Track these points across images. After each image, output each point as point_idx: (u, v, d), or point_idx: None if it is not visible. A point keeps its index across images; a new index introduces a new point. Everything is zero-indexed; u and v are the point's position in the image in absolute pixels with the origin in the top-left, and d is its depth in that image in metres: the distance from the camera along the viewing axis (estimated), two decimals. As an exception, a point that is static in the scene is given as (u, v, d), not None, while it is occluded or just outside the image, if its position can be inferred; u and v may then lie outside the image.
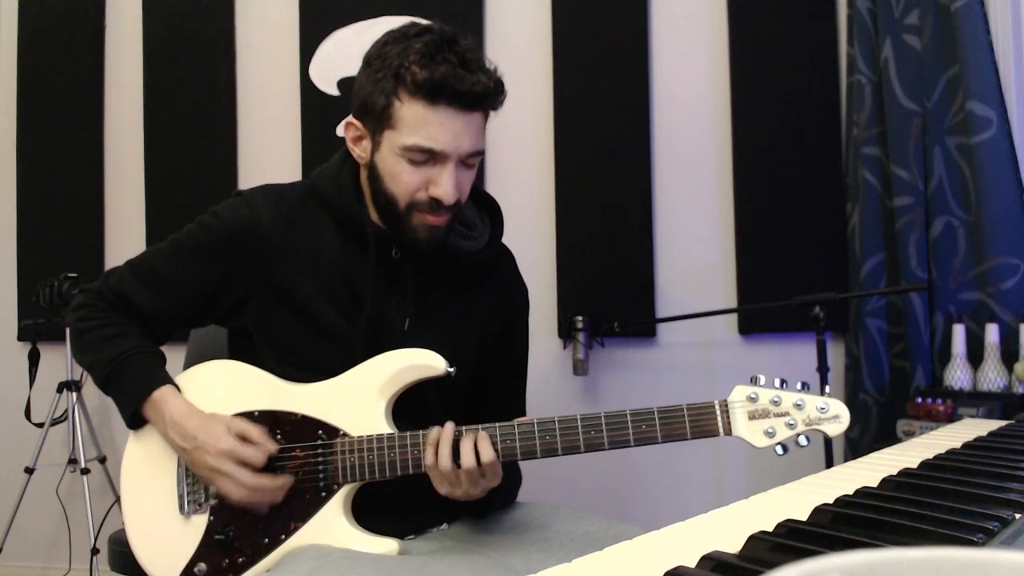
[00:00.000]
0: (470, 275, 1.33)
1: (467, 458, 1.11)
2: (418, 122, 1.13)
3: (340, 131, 2.69)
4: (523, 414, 1.43)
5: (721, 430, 1.10)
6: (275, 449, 1.20)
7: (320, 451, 1.21)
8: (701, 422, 1.10)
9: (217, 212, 1.28)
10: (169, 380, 1.26)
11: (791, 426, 1.08)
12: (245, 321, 1.28)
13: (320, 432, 1.21)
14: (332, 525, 1.19)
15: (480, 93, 1.14)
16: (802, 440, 1.09)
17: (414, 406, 1.24)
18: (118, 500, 1.27)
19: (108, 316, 1.29)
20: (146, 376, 1.25)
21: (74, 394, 2.57)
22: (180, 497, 1.24)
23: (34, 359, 2.66)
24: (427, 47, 1.13)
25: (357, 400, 1.22)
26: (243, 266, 1.25)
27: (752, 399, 1.10)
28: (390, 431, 1.19)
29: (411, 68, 1.12)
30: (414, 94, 1.13)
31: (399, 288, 1.27)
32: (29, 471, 2.57)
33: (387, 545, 1.16)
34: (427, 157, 1.15)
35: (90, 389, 2.70)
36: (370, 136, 1.20)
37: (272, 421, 1.23)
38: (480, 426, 1.15)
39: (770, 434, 1.09)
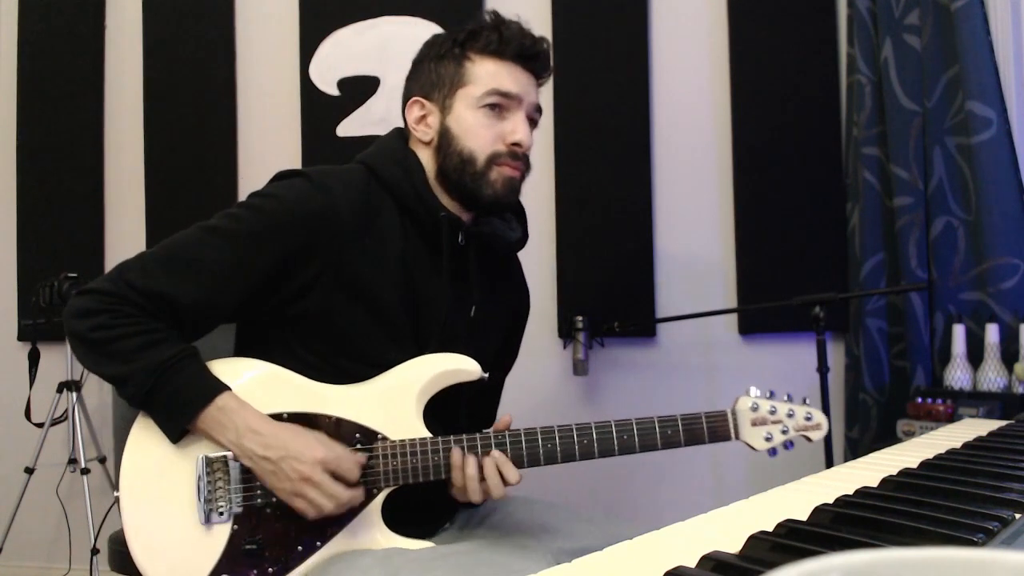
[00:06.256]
0: (502, 267, 1.41)
1: (495, 484, 1.16)
2: (492, 73, 1.25)
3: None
4: (494, 417, 1.49)
5: (732, 435, 1.27)
6: (364, 460, 1.15)
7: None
8: (716, 428, 1.26)
9: (278, 196, 1.19)
10: (227, 386, 1.15)
11: (784, 432, 1.28)
12: (305, 305, 1.19)
13: (357, 435, 1.17)
14: (372, 530, 1.16)
15: (541, 52, 1.30)
16: (788, 445, 1.29)
17: (445, 408, 1.25)
18: (118, 500, 1.19)
19: (136, 321, 1.13)
20: (205, 381, 1.13)
21: (74, 394, 2.57)
22: (199, 504, 1.13)
23: (34, 359, 2.66)
24: (483, 23, 1.27)
25: (393, 403, 1.19)
26: (315, 252, 1.17)
27: (754, 409, 1.28)
28: (427, 435, 1.19)
29: (478, 33, 1.25)
30: (483, 51, 1.25)
31: (463, 275, 1.28)
32: (29, 471, 2.57)
33: (422, 547, 1.16)
34: (502, 103, 1.25)
35: (90, 389, 2.70)
36: (439, 104, 1.26)
37: (305, 424, 1.16)
38: (507, 433, 1.19)
39: (768, 439, 1.27)
